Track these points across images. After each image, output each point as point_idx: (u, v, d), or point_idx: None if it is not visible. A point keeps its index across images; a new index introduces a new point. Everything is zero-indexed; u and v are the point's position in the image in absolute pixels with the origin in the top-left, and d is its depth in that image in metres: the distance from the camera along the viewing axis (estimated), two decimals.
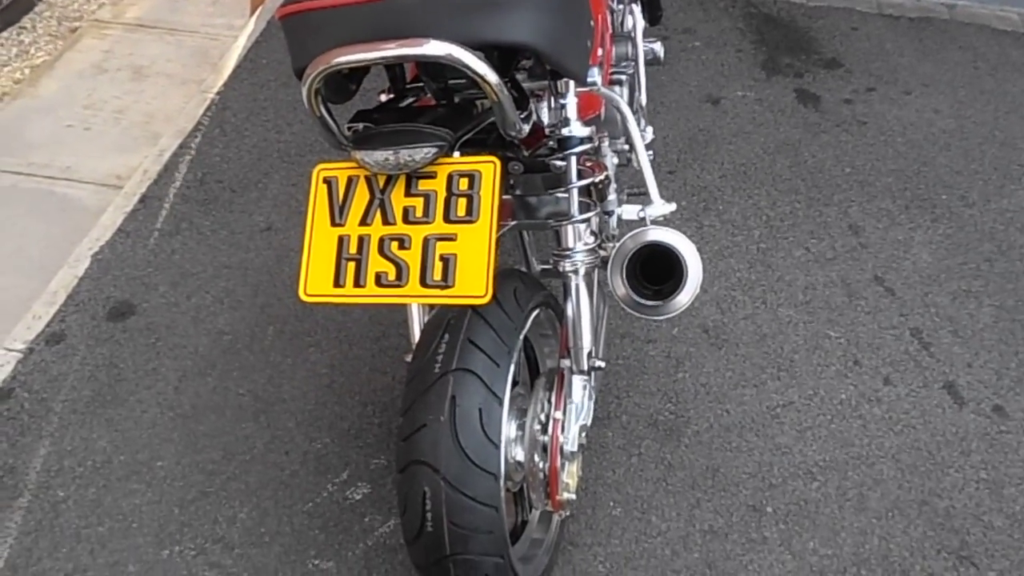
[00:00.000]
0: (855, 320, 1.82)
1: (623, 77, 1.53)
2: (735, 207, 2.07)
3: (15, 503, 1.50)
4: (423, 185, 0.93)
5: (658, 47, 1.65)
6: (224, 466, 1.56)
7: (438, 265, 0.91)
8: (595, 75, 1.15)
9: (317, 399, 1.66)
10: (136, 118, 2.58)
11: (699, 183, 2.13)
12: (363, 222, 0.94)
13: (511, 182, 1.25)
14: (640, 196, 1.58)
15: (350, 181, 0.94)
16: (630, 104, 1.55)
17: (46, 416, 1.62)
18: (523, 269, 1.24)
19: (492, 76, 0.89)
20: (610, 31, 1.44)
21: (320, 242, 0.94)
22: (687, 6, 2.72)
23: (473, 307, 1.08)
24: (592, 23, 1.15)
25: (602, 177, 1.33)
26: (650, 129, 1.59)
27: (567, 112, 1.16)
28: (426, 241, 0.92)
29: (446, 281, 0.92)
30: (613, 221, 1.44)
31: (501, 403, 1.06)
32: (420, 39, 0.86)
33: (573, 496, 1.27)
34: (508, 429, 1.19)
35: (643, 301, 1.03)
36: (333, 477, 1.55)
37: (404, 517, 1.07)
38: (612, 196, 1.40)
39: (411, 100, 1.09)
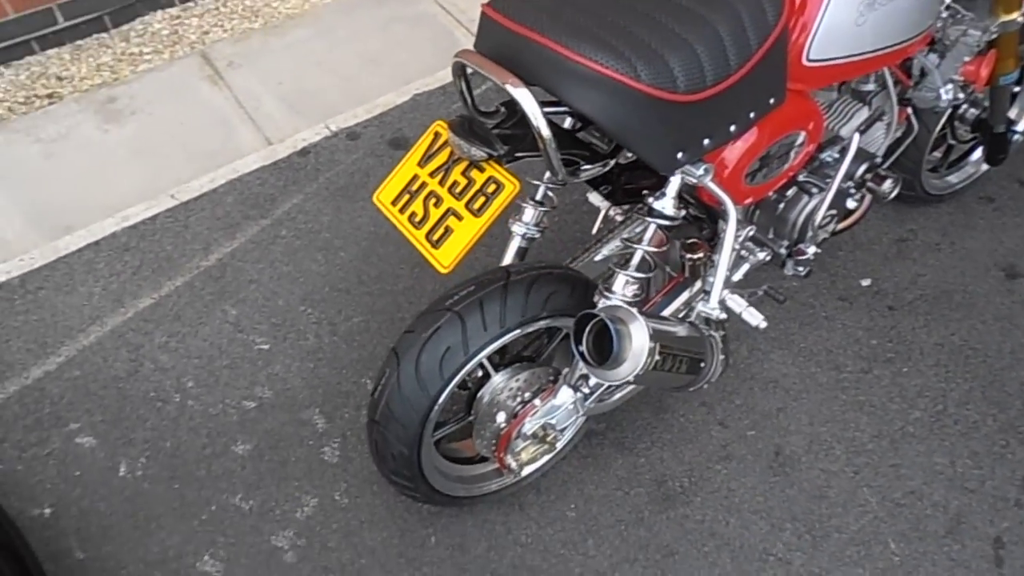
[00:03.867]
0: (934, 550, 1.65)
1: (813, 189, 1.52)
2: (920, 378, 1.89)
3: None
4: (473, 173, 1.19)
5: (888, 185, 1.56)
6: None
7: (440, 230, 1.19)
8: (701, 171, 1.24)
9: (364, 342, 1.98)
10: None
11: (911, 335, 1.96)
12: (431, 174, 1.23)
13: None
14: (775, 299, 1.62)
15: (445, 142, 1.23)
16: (805, 222, 1.54)
17: (316, 178, 2.25)
18: (601, 287, 1.38)
19: (546, 132, 1.09)
20: (820, 133, 1.43)
21: (405, 170, 1.26)
22: None
23: (503, 281, 1.34)
24: (733, 127, 1.23)
25: (697, 256, 1.43)
26: (812, 248, 1.56)
27: (666, 187, 1.28)
28: (447, 210, 1.19)
29: (436, 243, 1.19)
30: (703, 304, 1.49)
31: (467, 354, 1.32)
32: (514, 80, 1.09)
33: (517, 470, 1.50)
34: (500, 380, 1.44)
35: (585, 363, 1.17)
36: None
37: (376, 376, 1.41)
38: (714, 279, 1.46)
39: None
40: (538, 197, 1.46)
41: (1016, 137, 1.95)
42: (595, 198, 1.67)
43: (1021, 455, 1.79)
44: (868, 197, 1.81)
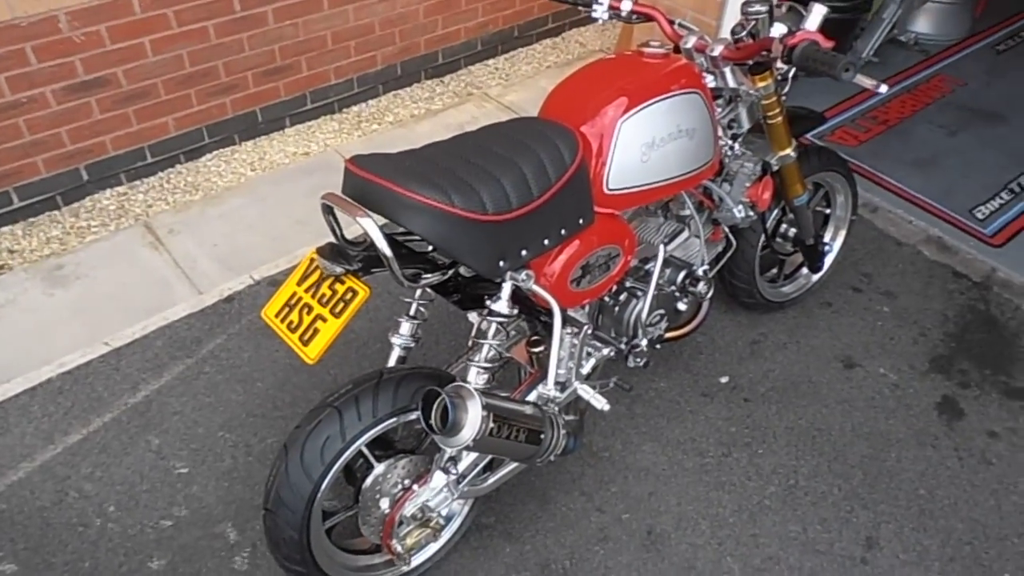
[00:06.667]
0: None
1: (639, 292, 1.84)
2: (774, 457, 2.14)
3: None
4: (336, 285, 1.48)
5: (702, 287, 1.89)
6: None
7: (310, 332, 1.46)
8: (523, 276, 1.55)
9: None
10: None
11: (765, 422, 2.23)
12: (307, 290, 1.52)
13: None
14: (625, 390, 1.89)
15: (319, 266, 1.54)
16: (635, 321, 1.85)
17: (239, 320, 2.52)
18: (459, 380, 1.64)
19: (387, 251, 1.40)
20: (636, 245, 1.77)
21: (287, 290, 1.55)
22: (912, 273, 2.70)
23: (376, 380, 1.59)
24: (547, 241, 1.56)
25: (539, 350, 1.71)
26: (644, 341, 1.86)
27: (501, 292, 1.59)
28: (316, 316, 1.47)
29: (306, 342, 1.46)
30: (542, 386, 1.73)
31: (344, 441, 1.54)
32: (360, 211, 1.41)
33: (404, 556, 1.67)
34: (382, 469, 1.64)
35: (431, 431, 1.42)
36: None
37: (269, 470, 1.61)
38: (556, 369, 1.71)
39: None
40: (411, 313, 1.75)
41: (827, 247, 2.35)
42: (473, 317, 1.97)
43: (864, 519, 2.01)
44: (706, 304, 2.15)
